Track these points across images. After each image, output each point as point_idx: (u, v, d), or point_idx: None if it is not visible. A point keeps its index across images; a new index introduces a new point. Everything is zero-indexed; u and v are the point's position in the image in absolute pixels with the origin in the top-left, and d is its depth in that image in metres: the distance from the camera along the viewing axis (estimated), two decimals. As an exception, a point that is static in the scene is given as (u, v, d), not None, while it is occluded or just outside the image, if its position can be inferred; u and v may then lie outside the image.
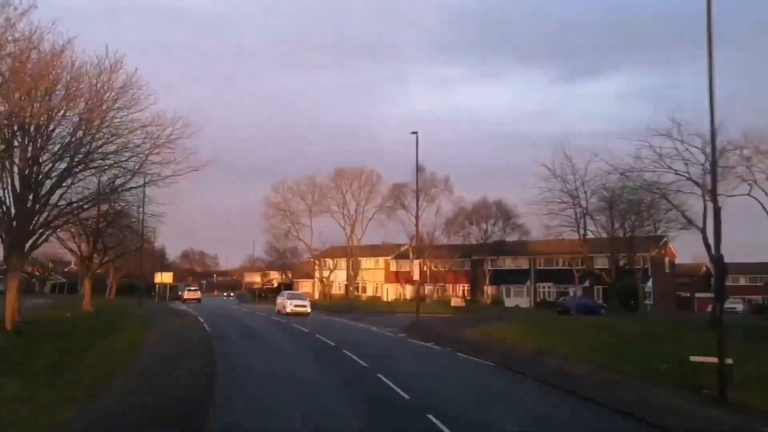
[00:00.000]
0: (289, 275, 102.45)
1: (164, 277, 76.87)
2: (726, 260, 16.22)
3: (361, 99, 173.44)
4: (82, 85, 24.65)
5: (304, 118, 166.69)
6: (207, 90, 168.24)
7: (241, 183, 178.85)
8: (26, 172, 24.77)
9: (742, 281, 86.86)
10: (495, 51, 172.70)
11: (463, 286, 78.83)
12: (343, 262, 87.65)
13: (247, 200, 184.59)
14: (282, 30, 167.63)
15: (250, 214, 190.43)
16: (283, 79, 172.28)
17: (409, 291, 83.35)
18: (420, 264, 79.81)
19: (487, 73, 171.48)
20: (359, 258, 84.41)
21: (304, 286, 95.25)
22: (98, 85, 24.96)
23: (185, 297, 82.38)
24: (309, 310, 47.74)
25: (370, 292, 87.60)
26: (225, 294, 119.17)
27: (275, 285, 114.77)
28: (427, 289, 77.88)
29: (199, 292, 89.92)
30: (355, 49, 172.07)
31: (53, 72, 23.15)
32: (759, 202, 40.57)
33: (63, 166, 25.99)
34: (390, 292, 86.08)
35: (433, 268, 76.14)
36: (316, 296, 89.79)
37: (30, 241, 26.69)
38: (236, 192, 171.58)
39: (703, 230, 39.36)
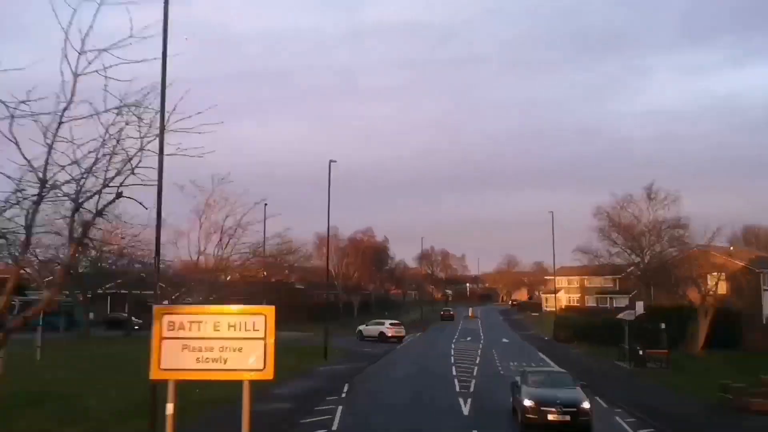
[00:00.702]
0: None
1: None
2: None
3: (600, 95, 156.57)
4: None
5: (541, 121, 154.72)
6: (444, 101, 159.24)
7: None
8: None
9: None
10: (755, 28, 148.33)
11: None
12: None
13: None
14: (511, 32, 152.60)
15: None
16: (517, 82, 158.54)
17: None
18: None
19: (747, 53, 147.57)
20: None
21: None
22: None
23: (389, 334, 51.71)
24: None
25: None
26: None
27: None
28: None
29: (403, 329, 54.59)
30: (590, 43, 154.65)
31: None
32: None
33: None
34: None
35: None
36: None
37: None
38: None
39: None
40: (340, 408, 21.03)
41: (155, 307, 11.05)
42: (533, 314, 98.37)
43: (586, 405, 18.38)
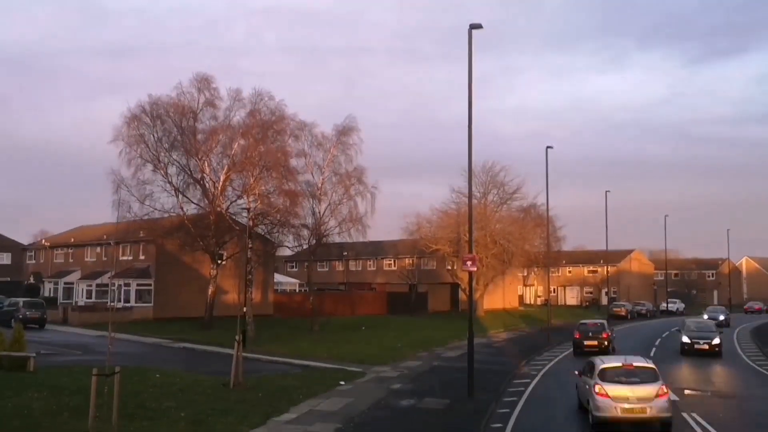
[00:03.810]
0: None
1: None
2: None
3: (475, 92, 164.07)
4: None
5: (422, 115, 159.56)
6: (329, 90, 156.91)
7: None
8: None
9: None
10: (617, 35, 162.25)
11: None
12: None
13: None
14: (396, 23, 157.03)
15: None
16: (399, 73, 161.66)
17: None
18: None
19: (608, 59, 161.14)
20: None
21: None
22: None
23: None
24: None
25: None
26: None
27: None
28: None
29: None
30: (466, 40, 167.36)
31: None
32: None
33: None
34: None
35: None
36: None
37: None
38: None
39: None
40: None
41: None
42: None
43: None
